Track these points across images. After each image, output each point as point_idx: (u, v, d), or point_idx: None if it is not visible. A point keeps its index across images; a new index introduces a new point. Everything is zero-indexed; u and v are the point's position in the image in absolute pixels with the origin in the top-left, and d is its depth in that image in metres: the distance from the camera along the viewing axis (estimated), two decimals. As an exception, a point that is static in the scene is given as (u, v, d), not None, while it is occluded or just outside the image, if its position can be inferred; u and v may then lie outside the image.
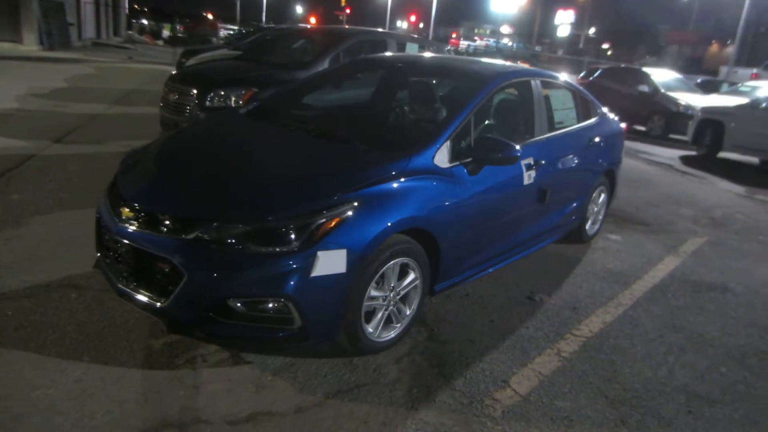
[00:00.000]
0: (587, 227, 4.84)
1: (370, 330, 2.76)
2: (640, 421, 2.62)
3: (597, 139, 4.59)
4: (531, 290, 3.86)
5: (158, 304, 2.46)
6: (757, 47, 36.31)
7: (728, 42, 59.46)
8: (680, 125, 12.64)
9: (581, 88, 4.83)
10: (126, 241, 2.52)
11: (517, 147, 3.08)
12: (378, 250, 2.58)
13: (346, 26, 8.41)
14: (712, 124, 10.83)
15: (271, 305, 2.39)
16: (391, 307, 2.85)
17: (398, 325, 2.94)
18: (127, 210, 2.57)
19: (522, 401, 2.66)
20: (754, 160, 10.82)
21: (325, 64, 6.12)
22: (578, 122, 4.50)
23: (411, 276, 2.90)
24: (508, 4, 44.87)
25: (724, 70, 23.18)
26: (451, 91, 4.16)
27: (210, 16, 51.67)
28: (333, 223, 2.43)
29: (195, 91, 5.72)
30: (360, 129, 3.48)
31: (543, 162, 3.71)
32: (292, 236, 2.37)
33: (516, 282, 3.95)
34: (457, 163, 3.06)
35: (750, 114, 10.05)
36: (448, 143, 3.03)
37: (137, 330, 2.86)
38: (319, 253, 2.37)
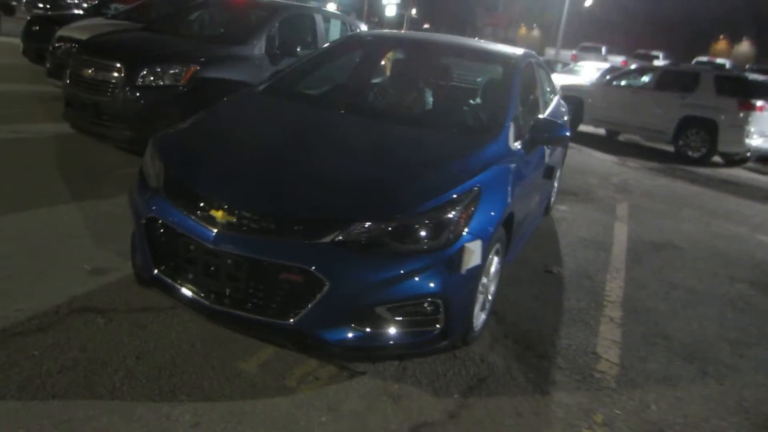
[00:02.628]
0: (552, 200, 5.16)
1: (477, 321, 2.66)
2: (716, 370, 2.90)
3: (563, 116, 4.89)
4: (544, 264, 4.01)
5: (285, 321, 2.08)
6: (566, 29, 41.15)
7: (534, 25, 66.73)
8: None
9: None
10: (234, 252, 2.08)
11: (568, 127, 3.15)
12: (495, 238, 2.48)
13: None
14: (573, 100, 12.12)
15: (419, 308, 2.17)
16: (484, 294, 2.77)
17: (483, 311, 2.86)
18: (225, 214, 2.11)
19: (621, 369, 2.78)
20: (601, 131, 12.33)
21: (262, 40, 5.56)
22: (552, 99, 4.73)
23: (496, 259, 2.84)
24: (339, -21, 44.71)
25: (550, 52, 26.00)
26: (482, 73, 4.08)
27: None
28: (469, 212, 2.26)
29: (121, 66, 4.80)
30: (419, 113, 3.27)
31: None
32: (439, 230, 2.16)
33: (521, 258, 4.07)
34: (519, 144, 3.04)
35: (603, 91, 11.44)
36: (512, 125, 2.99)
37: (213, 353, 2.40)
38: (467, 245, 2.20)
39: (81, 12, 9.87)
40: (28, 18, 9.37)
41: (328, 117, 3.04)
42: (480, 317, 2.68)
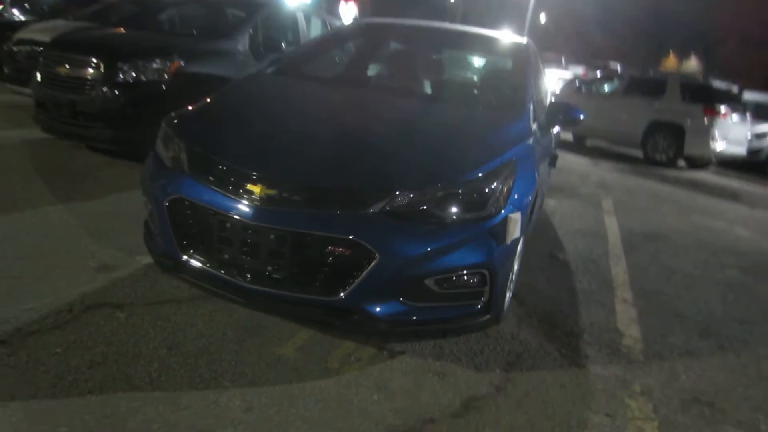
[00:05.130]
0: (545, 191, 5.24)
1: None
2: (731, 344, 2.98)
3: None
4: (548, 250, 4.05)
5: (332, 298, 2.02)
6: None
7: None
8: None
9: None
10: (277, 227, 2.01)
11: (581, 110, 3.22)
12: (528, 212, 2.49)
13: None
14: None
15: (465, 280, 2.14)
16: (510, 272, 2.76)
17: (508, 290, 2.86)
18: (264, 187, 2.04)
19: (645, 344, 2.82)
20: (569, 136, 12.61)
21: (245, 36, 5.47)
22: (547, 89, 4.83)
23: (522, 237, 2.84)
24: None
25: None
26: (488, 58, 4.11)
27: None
28: (509, 184, 2.27)
29: (99, 62, 4.56)
30: (443, 90, 3.29)
31: None
32: (484, 199, 2.15)
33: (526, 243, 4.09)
34: (535, 125, 3.08)
35: (574, 98, 11.76)
36: (531, 107, 3.03)
37: (246, 340, 2.31)
38: (510, 216, 2.20)
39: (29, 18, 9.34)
40: None
41: (351, 93, 3.02)
42: (507, 296, 2.67)
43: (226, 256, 2.13)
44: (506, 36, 3.91)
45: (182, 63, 4.75)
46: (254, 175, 2.06)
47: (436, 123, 2.62)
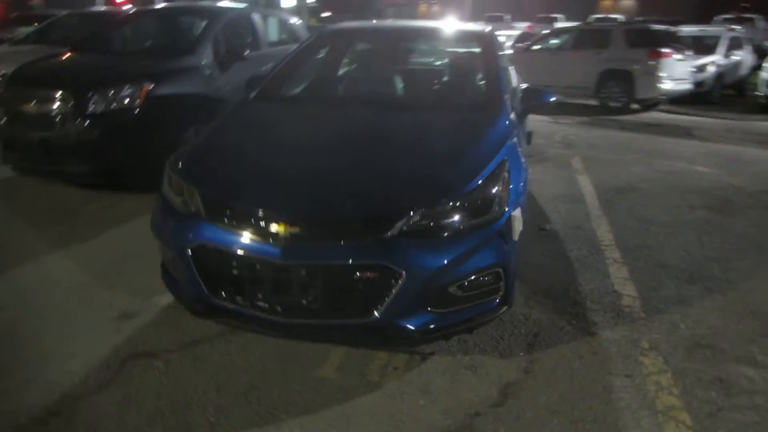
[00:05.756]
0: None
1: None
2: (716, 285, 3.28)
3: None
4: (537, 223, 4.27)
5: (367, 319, 2.17)
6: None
7: (434, 1, 68.00)
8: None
9: None
10: (306, 263, 2.13)
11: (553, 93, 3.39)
12: (525, 204, 2.66)
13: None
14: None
15: (483, 280, 2.31)
16: None
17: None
18: (287, 226, 2.15)
19: (642, 300, 3.07)
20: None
21: (208, 48, 5.43)
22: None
23: None
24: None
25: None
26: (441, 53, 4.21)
27: None
28: (506, 184, 2.43)
29: (67, 94, 4.48)
30: (421, 96, 3.39)
31: None
32: (488, 204, 2.32)
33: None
34: (513, 114, 3.24)
35: (525, 57, 11.94)
36: (508, 100, 3.18)
37: (287, 369, 2.44)
38: (513, 214, 2.37)
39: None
40: None
41: (339, 113, 3.12)
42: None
43: (259, 295, 2.24)
44: (469, 27, 4.04)
45: (151, 86, 4.71)
46: (276, 216, 2.17)
47: (428, 135, 2.76)
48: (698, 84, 11.46)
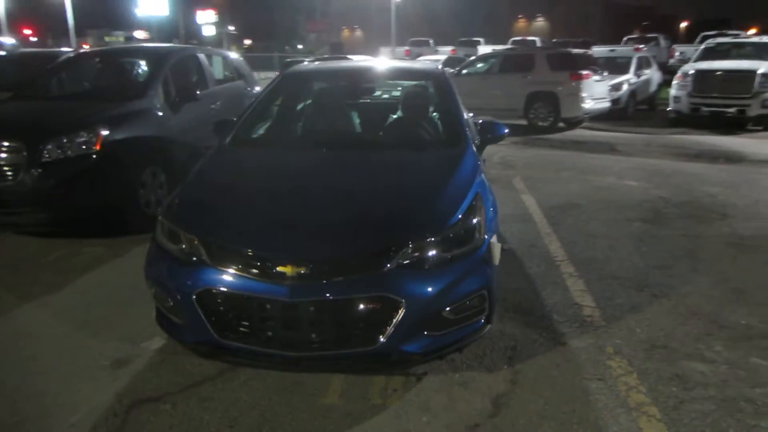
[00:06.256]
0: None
1: None
2: (661, 291, 3.69)
3: None
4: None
5: (371, 347, 2.36)
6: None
7: (355, 27, 69.35)
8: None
9: None
10: (315, 299, 2.30)
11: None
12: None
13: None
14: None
15: (471, 302, 2.56)
16: None
17: None
18: (293, 267, 2.32)
19: (600, 310, 3.42)
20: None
21: (158, 90, 5.47)
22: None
23: None
24: (155, 6, 41.64)
25: (383, 50, 27.59)
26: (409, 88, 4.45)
27: None
28: (482, 215, 2.71)
29: (19, 145, 4.40)
30: (397, 136, 3.67)
31: None
32: (471, 234, 2.58)
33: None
34: (474, 148, 3.55)
35: (455, 82, 12.58)
36: (470, 136, 3.48)
37: (293, 400, 2.57)
38: (492, 242, 2.65)
39: None
40: None
41: (311, 156, 3.32)
42: None
43: (269, 333, 2.38)
44: (423, 65, 4.37)
45: (107, 132, 4.70)
46: (283, 259, 2.33)
47: (407, 172, 3.02)
48: (615, 101, 12.47)
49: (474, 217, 2.63)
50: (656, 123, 12.44)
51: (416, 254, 2.42)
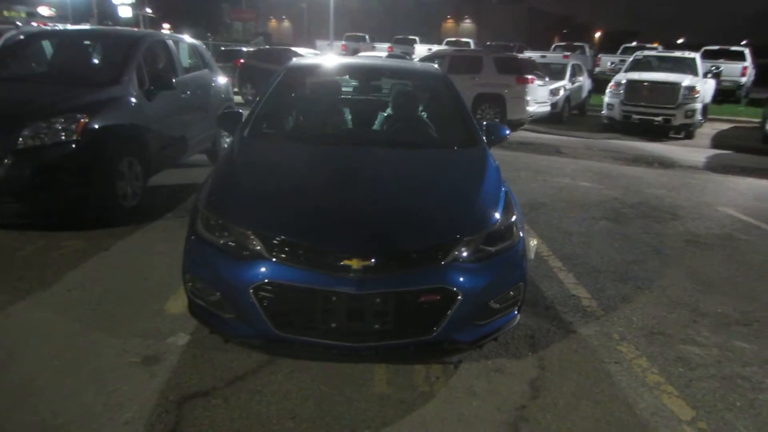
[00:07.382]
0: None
1: None
2: (643, 283, 4.08)
3: None
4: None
5: (429, 336, 2.50)
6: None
7: (283, 17, 67.96)
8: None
9: None
10: (381, 292, 2.40)
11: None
12: None
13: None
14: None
15: (511, 294, 2.76)
16: None
17: None
18: (359, 261, 2.41)
19: (597, 300, 3.75)
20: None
21: (133, 77, 5.26)
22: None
23: None
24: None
25: (320, 43, 27.38)
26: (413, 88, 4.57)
27: None
28: (515, 212, 2.93)
29: None
30: (416, 134, 3.81)
31: None
32: (510, 230, 2.78)
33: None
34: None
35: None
36: (484, 138, 3.68)
37: (344, 390, 2.66)
38: (525, 237, 2.86)
39: None
40: None
41: (339, 150, 3.44)
42: None
43: (332, 324, 2.45)
44: (422, 66, 4.53)
45: (87, 119, 4.49)
46: (350, 253, 2.40)
47: (438, 170, 3.22)
48: (553, 105, 13.23)
49: (511, 215, 2.83)
50: (590, 128, 13.34)
51: (468, 249, 2.58)
